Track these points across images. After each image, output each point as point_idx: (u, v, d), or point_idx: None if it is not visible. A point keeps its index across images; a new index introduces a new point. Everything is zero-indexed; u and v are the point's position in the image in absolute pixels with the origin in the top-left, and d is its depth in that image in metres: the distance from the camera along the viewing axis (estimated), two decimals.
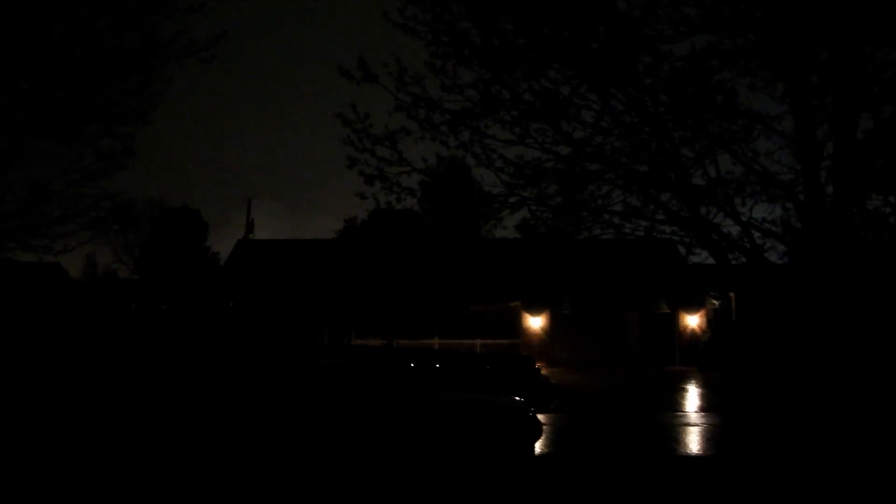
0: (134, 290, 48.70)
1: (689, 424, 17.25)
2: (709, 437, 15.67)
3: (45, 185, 12.43)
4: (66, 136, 12.34)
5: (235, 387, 14.55)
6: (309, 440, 11.84)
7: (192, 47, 12.32)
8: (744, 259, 11.86)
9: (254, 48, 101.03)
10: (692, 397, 23.21)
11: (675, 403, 21.45)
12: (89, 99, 12.20)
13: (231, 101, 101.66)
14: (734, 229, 11.94)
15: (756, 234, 11.84)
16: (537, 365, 24.52)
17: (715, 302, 35.09)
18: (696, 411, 19.72)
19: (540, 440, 13.51)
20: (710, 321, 35.67)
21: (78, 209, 12.67)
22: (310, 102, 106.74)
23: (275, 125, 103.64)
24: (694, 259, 13.38)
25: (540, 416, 13.92)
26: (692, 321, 35.49)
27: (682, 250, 13.64)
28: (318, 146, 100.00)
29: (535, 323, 35.94)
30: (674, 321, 35.62)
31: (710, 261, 12.44)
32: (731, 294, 30.26)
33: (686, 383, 27.09)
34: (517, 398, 13.78)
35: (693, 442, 15.18)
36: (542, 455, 13.41)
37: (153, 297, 46.35)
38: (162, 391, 19.67)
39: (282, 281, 38.17)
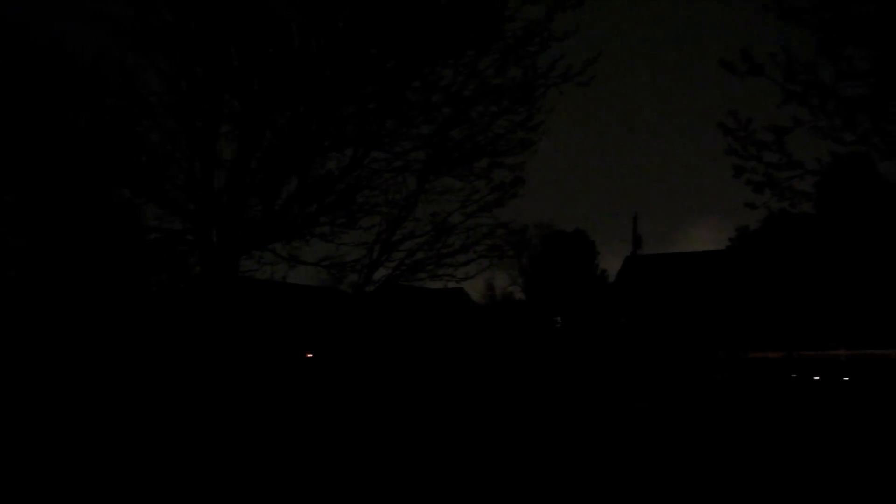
0: (527, 309, 51.14)
1: None
2: None
3: (446, 218, 13.48)
4: (462, 172, 13.33)
5: (639, 402, 14.66)
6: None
7: (570, 73, 12.66)
8: None
9: (625, 63, 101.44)
10: None
11: None
12: (481, 135, 13.06)
13: (607, 116, 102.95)
14: None
15: None
16: None
17: None
18: None
19: None
20: None
21: (475, 238, 13.55)
22: (688, 107, 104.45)
23: (653, 137, 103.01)
24: None
25: None
26: None
27: None
28: (700, 153, 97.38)
29: None
30: None
31: None
32: None
33: None
34: None
35: None
36: None
37: (545, 316, 48.26)
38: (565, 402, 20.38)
39: (672, 295, 37.69)
